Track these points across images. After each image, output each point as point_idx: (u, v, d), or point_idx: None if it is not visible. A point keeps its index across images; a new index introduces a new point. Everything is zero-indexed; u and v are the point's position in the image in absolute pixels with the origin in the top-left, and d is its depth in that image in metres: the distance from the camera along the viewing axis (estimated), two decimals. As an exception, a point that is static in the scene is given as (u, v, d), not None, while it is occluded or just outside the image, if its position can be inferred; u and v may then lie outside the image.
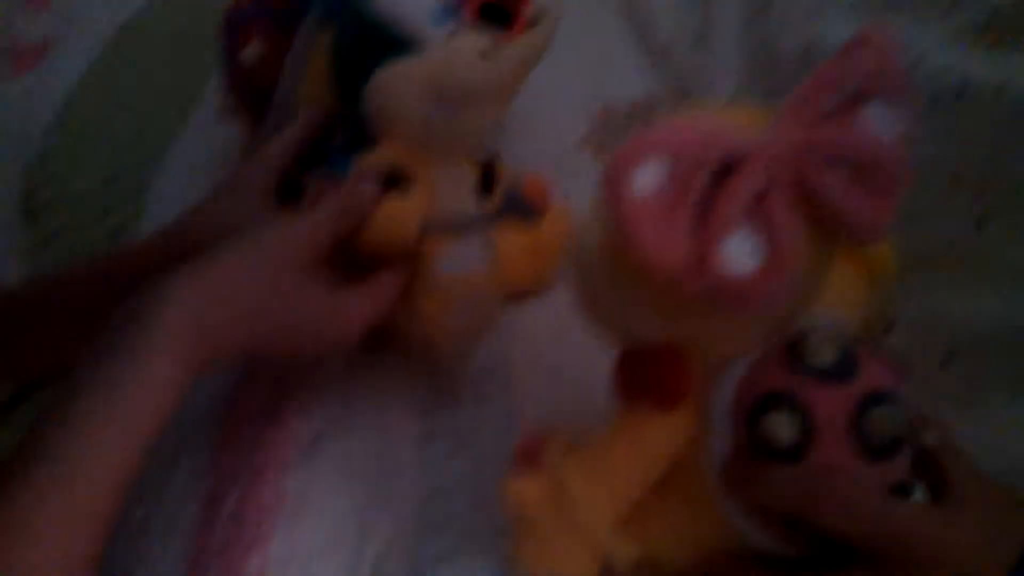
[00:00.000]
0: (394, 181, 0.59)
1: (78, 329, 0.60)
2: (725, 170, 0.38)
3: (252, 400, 0.65)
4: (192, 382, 0.48)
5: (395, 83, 0.57)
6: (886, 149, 0.40)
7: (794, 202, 0.39)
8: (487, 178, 0.67)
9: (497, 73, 0.58)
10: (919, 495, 0.44)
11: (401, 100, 0.57)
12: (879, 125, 0.40)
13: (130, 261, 0.62)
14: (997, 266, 0.58)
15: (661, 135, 0.38)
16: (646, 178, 0.37)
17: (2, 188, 0.86)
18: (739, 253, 0.37)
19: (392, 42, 0.57)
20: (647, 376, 0.48)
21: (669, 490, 0.49)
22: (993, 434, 0.54)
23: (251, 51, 0.73)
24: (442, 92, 0.57)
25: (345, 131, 0.66)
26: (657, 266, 0.37)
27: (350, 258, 0.59)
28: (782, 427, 0.40)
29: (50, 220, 0.85)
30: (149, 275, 0.51)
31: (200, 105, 0.99)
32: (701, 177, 0.38)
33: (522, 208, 0.69)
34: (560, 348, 0.69)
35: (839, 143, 0.40)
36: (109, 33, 1.09)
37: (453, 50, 0.57)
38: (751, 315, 0.40)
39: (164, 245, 0.62)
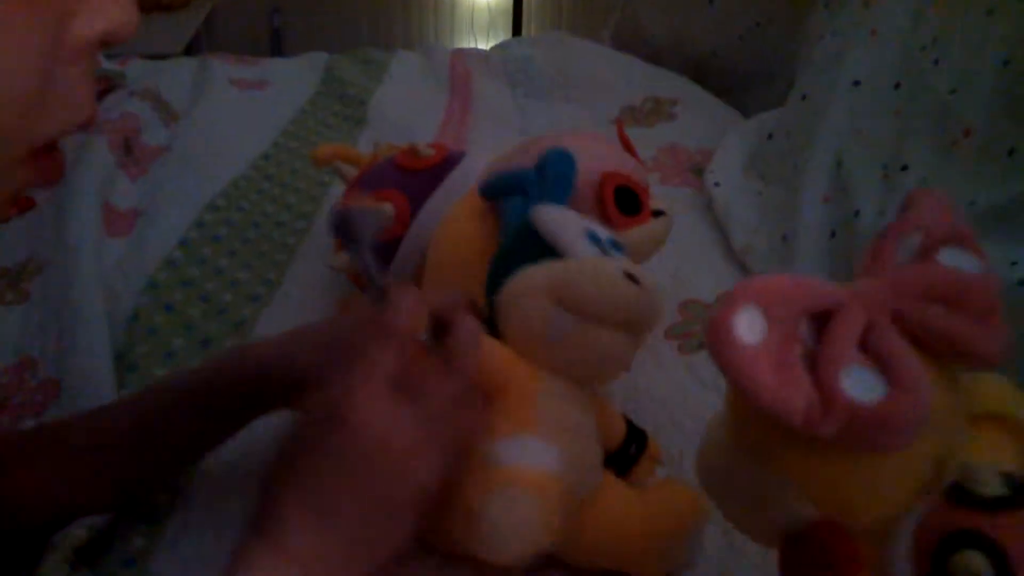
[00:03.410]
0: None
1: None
2: (824, 317, 0.40)
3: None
4: None
5: (524, 279, 0.57)
6: (971, 278, 0.42)
7: (901, 334, 0.40)
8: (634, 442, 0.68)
9: (634, 298, 0.54)
10: None
11: (524, 296, 0.56)
12: (957, 266, 0.42)
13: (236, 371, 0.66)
14: None
15: (751, 286, 0.39)
16: (747, 326, 0.38)
17: (98, 339, 0.88)
18: (862, 386, 0.37)
19: (544, 250, 0.58)
20: (816, 561, 0.44)
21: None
22: None
23: (386, 209, 0.77)
24: (563, 296, 0.54)
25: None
26: (784, 410, 0.37)
27: None
28: (974, 565, 0.37)
29: (149, 372, 0.86)
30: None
31: (289, 278, 1.03)
32: (800, 321, 0.39)
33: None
34: None
35: (926, 278, 0.41)
36: (196, 210, 1.15)
37: (594, 262, 0.56)
38: (892, 448, 0.39)
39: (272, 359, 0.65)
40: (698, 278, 1.00)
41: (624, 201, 0.74)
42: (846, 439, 0.37)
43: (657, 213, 0.77)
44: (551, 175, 0.65)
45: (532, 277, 0.56)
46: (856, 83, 1.00)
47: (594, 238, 0.58)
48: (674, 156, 1.29)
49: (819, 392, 0.37)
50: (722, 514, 0.49)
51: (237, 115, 1.46)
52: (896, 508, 0.42)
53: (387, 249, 0.78)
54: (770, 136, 1.15)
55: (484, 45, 1.97)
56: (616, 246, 0.59)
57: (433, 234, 0.77)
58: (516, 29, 2.93)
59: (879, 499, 0.42)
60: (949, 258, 0.42)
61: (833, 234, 0.92)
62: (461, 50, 1.83)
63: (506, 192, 0.67)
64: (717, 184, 1.14)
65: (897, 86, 0.95)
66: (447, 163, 0.79)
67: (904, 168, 0.87)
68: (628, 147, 0.81)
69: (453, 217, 0.74)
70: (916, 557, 0.41)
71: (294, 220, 1.16)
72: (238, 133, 1.39)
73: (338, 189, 0.92)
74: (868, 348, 0.39)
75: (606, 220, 0.72)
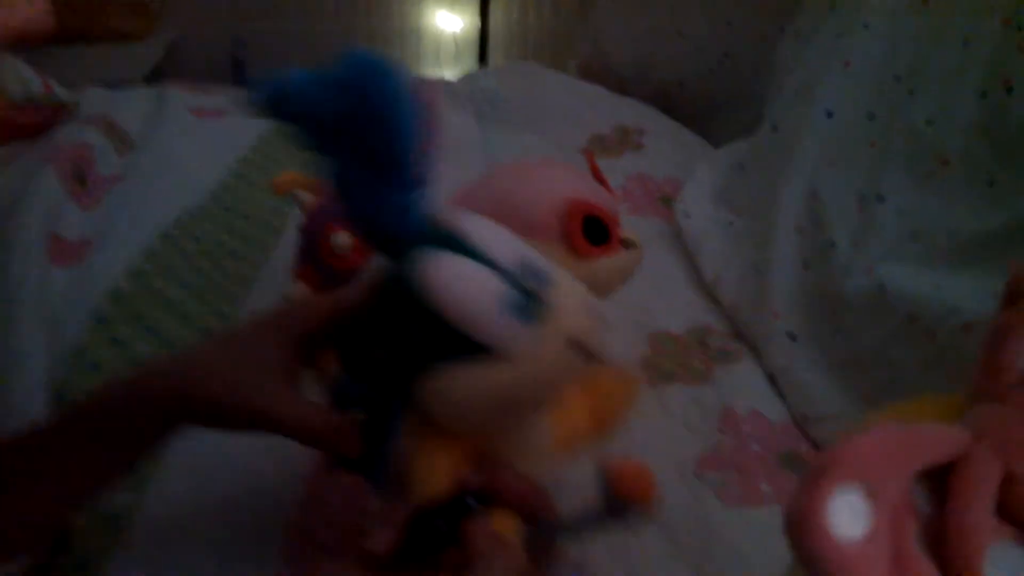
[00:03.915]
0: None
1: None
2: (933, 476, 0.32)
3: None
4: None
5: (464, 392, 0.47)
6: None
7: None
8: None
9: (582, 369, 0.48)
10: None
11: (471, 409, 0.48)
12: None
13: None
14: None
15: (848, 457, 0.30)
16: (847, 515, 0.29)
17: (35, 375, 0.83)
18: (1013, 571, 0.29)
19: (459, 340, 0.46)
20: None
21: None
22: None
23: (342, 237, 0.74)
24: (521, 403, 0.49)
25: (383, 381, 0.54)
26: None
27: None
28: None
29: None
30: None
31: (244, 311, 0.99)
32: (911, 492, 0.31)
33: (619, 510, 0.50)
34: None
35: None
36: (148, 239, 1.10)
37: (538, 360, 0.46)
38: None
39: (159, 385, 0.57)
40: (668, 310, 0.97)
41: (592, 231, 0.70)
42: None
43: (627, 244, 0.74)
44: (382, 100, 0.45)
45: (469, 392, 0.47)
46: (829, 114, 0.98)
47: (515, 305, 0.46)
48: (643, 186, 1.27)
49: None
50: None
51: (195, 144, 1.41)
52: None
53: (347, 279, 0.74)
54: (741, 167, 1.13)
55: (450, 75, 1.94)
56: (537, 276, 0.48)
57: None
58: (482, 59, 2.92)
59: None
60: None
61: (807, 265, 0.90)
62: (427, 80, 1.80)
63: (303, 119, 0.47)
64: (687, 215, 1.11)
65: (872, 117, 0.93)
66: (409, 190, 0.76)
67: (881, 199, 0.85)
68: (599, 177, 0.78)
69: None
70: None
71: (251, 251, 1.12)
72: (195, 162, 1.34)
73: (298, 219, 0.89)
74: (1007, 507, 0.30)
75: (573, 250, 0.69)
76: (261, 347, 0.56)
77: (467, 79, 1.82)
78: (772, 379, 0.85)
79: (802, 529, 0.28)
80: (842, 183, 0.91)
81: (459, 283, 0.45)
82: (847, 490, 0.29)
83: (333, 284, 0.76)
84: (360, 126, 0.45)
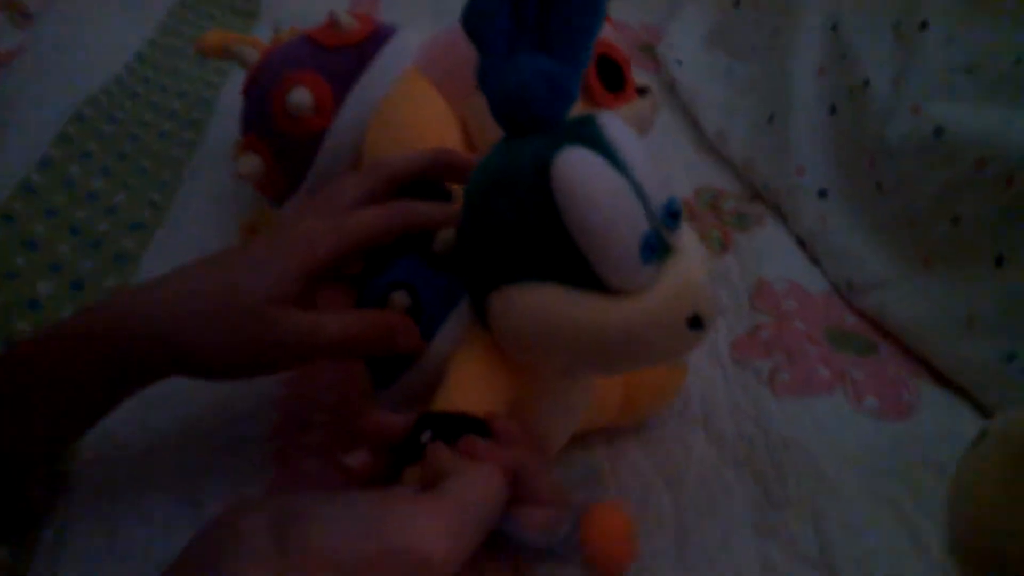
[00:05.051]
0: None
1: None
2: None
3: None
4: None
5: (554, 317, 0.38)
6: None
7: None
8: None
9: (691, 348, 0.40)
10: None
11: (555, 338, 0.39)
12: None
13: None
14: None
15: None
16: None
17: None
18: None
19: (569, 256, 0.37)
20: None
21: None
22: None
23: (300, 94, 0.59)
24: (605, 358, 0.40)
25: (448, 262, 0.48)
26: None
27: None
28: None
29: (8, 326, 0.68)
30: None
31: (179, 199, 0.85)
32: None
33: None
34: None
35: None
36: (57, 122, 0.94)
37: (656, 317, 0.38)
38: None
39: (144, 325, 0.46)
40: (669, 172, 0.85)
41: (606, 75, 0.58)
42: None
43: (641, 91, 0.62)
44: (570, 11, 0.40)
45: (560, 321, 0.38)
46: (843, -71, 0.85)
47: (649, 245, 0.37)
48: (620, 34, 1.13)
49: None
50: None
51: (104, 11, 1.23)
52: None
53: (307, 147, 0.61)
54: (736, 4, 0.99)
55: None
56: (675, 220, 0.38)
57: (369, 124, 0.60)
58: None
59: None
60: None
61: (833, 109, 0.78)
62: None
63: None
64: (679, 62, 0.98)
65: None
66: (376, 38, 0.62)
67: (923, 26, 0.72)
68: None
69: (394, 101, 0.57)
70: None
71: (181, 130, 0.97)
72: (106, 32, 1.17)
73: (234, 87, 0.74)
74: None
75: (588, 96, 0.57)
76: (263, 277, 0.46)
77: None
78: (802, 243, 0.74)
79: None
80: (871, 11, 0.78)
81: (602, 192, 0.36)
82: None
83: (288, 153, 0.62)
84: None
